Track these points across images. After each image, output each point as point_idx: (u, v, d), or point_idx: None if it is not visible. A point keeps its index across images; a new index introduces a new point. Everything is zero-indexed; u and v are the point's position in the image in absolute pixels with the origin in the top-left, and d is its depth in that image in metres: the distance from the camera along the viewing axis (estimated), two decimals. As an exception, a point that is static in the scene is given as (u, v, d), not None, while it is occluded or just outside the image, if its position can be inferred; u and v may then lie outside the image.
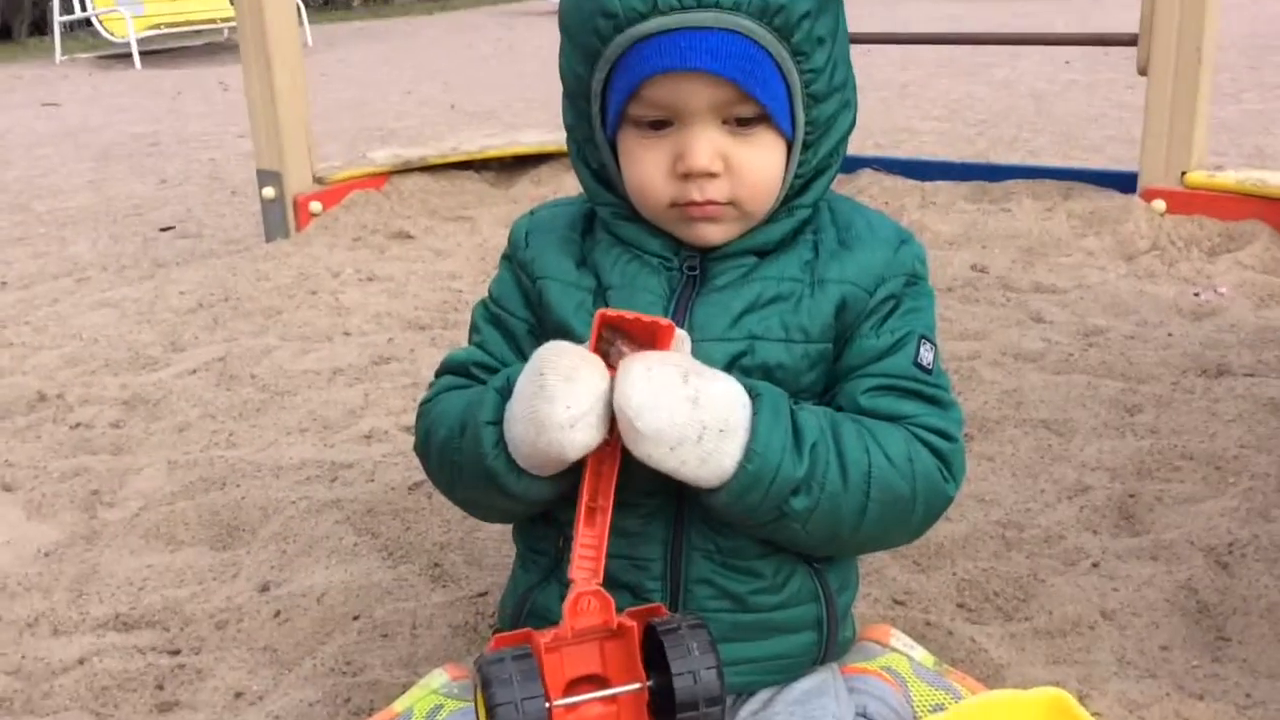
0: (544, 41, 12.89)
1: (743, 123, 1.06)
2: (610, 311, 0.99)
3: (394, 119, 7.62)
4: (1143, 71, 3.58)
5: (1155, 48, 3.49)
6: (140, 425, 2.49)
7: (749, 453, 1.00)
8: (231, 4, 12.92)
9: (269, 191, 4.05)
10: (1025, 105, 6.91)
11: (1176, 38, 3.44)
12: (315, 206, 4.07)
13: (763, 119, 1.07)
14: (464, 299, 3.28)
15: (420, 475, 2.09)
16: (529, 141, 4.67)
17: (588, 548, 1.03)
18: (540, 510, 1.17)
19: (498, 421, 1.06)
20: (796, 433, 1.03)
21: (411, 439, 2.26)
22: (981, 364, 2.59)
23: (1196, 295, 3.05)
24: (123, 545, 1.95)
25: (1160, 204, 3.56)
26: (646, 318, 1.00)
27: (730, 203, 1.09)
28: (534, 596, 1.23)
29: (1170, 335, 2.75)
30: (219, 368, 2.80)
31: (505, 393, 1.06)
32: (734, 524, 1.08)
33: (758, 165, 1.09)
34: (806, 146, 1.12)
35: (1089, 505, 1.95)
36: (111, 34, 11.95)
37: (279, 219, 4.08)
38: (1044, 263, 3.34)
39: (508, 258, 1.25)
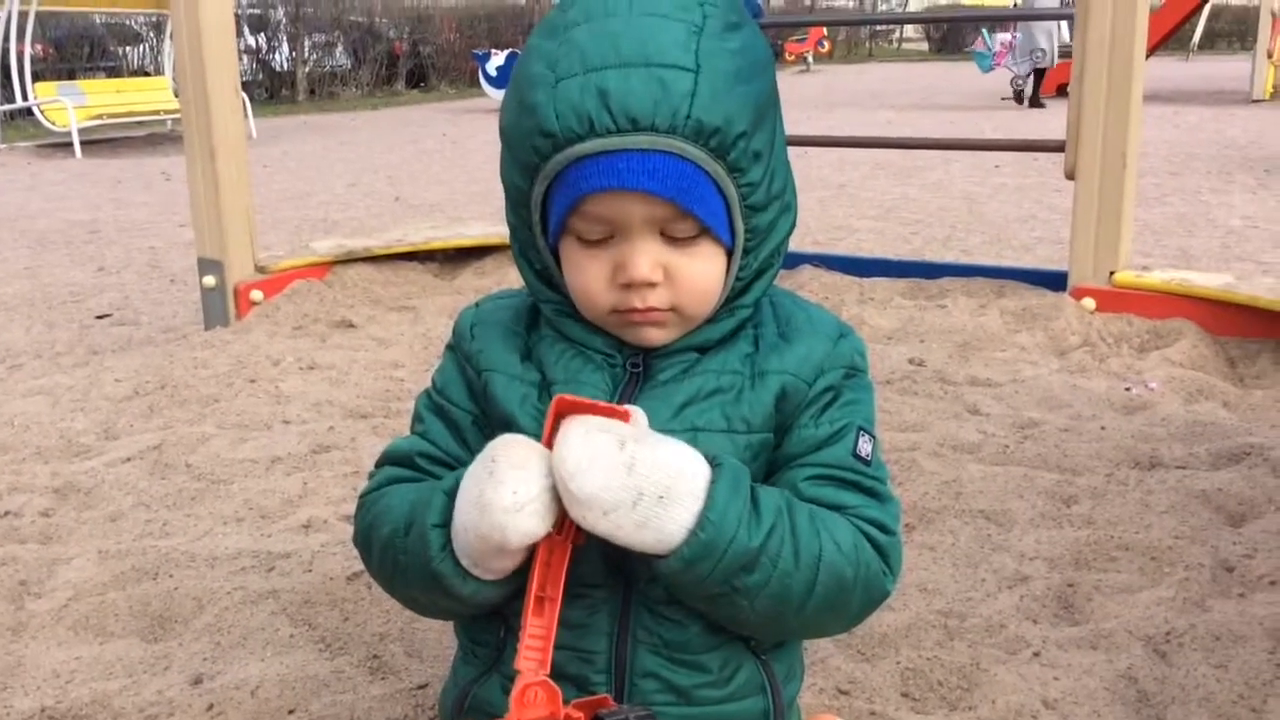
0: (489, 137, 13.06)
1: (680, 235, 1.08)
2: (567, 397, 1.00)
3: (337, 210, 7.64)
4: (1070, 176, 3.72)
5: (1082, 153, 3.64)
6: (71, 514, 2.43)
7: (703, 521, 1.00)
8: (176, 95, 13.01)
9: (209, 280, 4.02)
10: (957, 206, 7.11)
11: (1102, 144, 3.59)
12: (256, 295, 4.05)
13: (701, 230, 1.09)
14: (406, 388, 3.26)
15: (360, 566, 2.05)
16: (473, 233, 4.71)
17: (535, 638, 1.02)
18: (484, 611, 1.15)
19: (445, 524, 1.06)
20: (755, 507, 1.04)
21: (350, 528, 2.25)
22: (921, 455, 2.62)
23: (1127, 390, 3.12)
24: (50, 636, 1.89)
25: (1090, 302, 3.67)
26: (603, 404, 1.01)
27: (671, 309, 1.11)
28: (475, 690, 1.21)
29: (1103, 429, 2.81)
30: (154, 456, 2.75)
31: (453, 495, 1.06)
32: (682, 597, 1.08)
33: (697, 274, 1.10)
34: (746, 252, 1.14)
35: (1029, 595, 1.97)
36: (53, 123, 11.90)
37: (219, 307, 4.05)
38: (979, 357, 3.41)
39: (452, 348, 1.25)
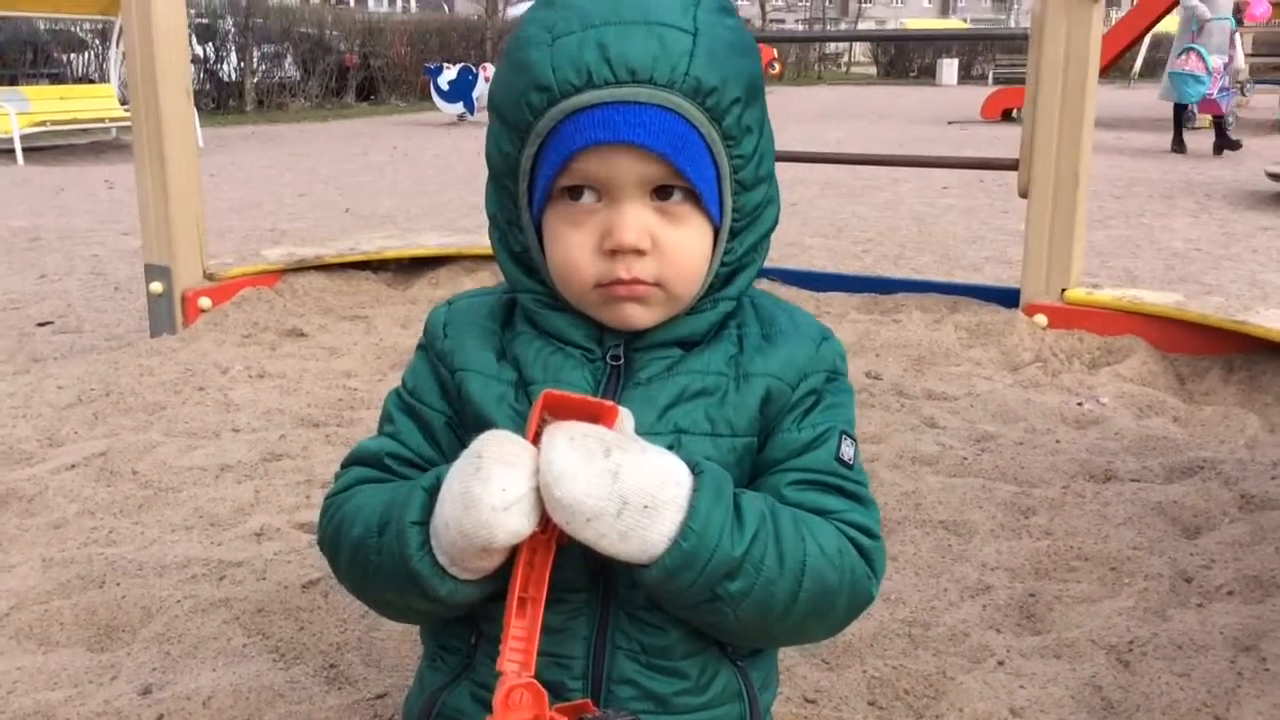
0: (440, 150, 13.00)
1: (670, 199, 1.06)
2: (555, 393, 0.97)
3: (286, 221, 7.54)
4: (1023, 194, 3.76)
5: (1035, 172, 3.68)
6: (13, 521, 2.35)
7: (685, 530, 0.98)
8: (123, 104, 12.80)
9: (156, 286, 3.94)
10: (907, 226, 7.18)
11: (1055, 163, 3.64)
12: (204, 302, 3.98)
13: (691, 198, 1.07)
14: (360, 397, 3.21)
15: (316, 573, 2.01)
16: (428, 244, 4.66)
17: (519, 639, 0.99)
18: (460, 613, 1.12)
19: (424, 522, 1.02)
20: (738, 514, 1.02)
21: (305, 536, 2.20)
22: (880, 466, 2.62)
23: (1080, 405, 3.15)
24: (-10, 647, 1.82)
25: (1042, 319, 3.71)
26: (591, 399, 0.98)
27: (657, 283, 1.09)
28: (444, 698, 1.17)
29: (1058, 442, 2.83)
30: (99, 463, 2.67)
31: (434, 492, 1.02)
32: (664, 604, 1.05)
33: (685, 246, 1.09)
34: (733, 235, 1.12)
35: (991, 604, 1.97)
36: (-7, 129, 11.66)
37: (166, 315, 3.97)
38: (934, 371, 3.43)
39: (424, 348, 1.22)
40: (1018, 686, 1.70)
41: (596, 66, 1.01)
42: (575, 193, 1.06)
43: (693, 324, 1.14)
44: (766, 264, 1.25)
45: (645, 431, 1.05)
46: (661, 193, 1.07)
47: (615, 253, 1.06)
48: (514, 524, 0.96)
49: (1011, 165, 3.86)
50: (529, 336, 1.15)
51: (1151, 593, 2.00)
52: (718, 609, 1.02)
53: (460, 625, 1.17)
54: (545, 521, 0.98)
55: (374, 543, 1.07)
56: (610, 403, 0.99)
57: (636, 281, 1.07)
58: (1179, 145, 11.87)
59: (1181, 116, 11.91)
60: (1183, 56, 11.21)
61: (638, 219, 1.06)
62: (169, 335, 3.88)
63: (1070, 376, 3.39)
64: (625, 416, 1.01)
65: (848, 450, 1.14)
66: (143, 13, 3.69)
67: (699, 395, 1.11)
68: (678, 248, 1.08)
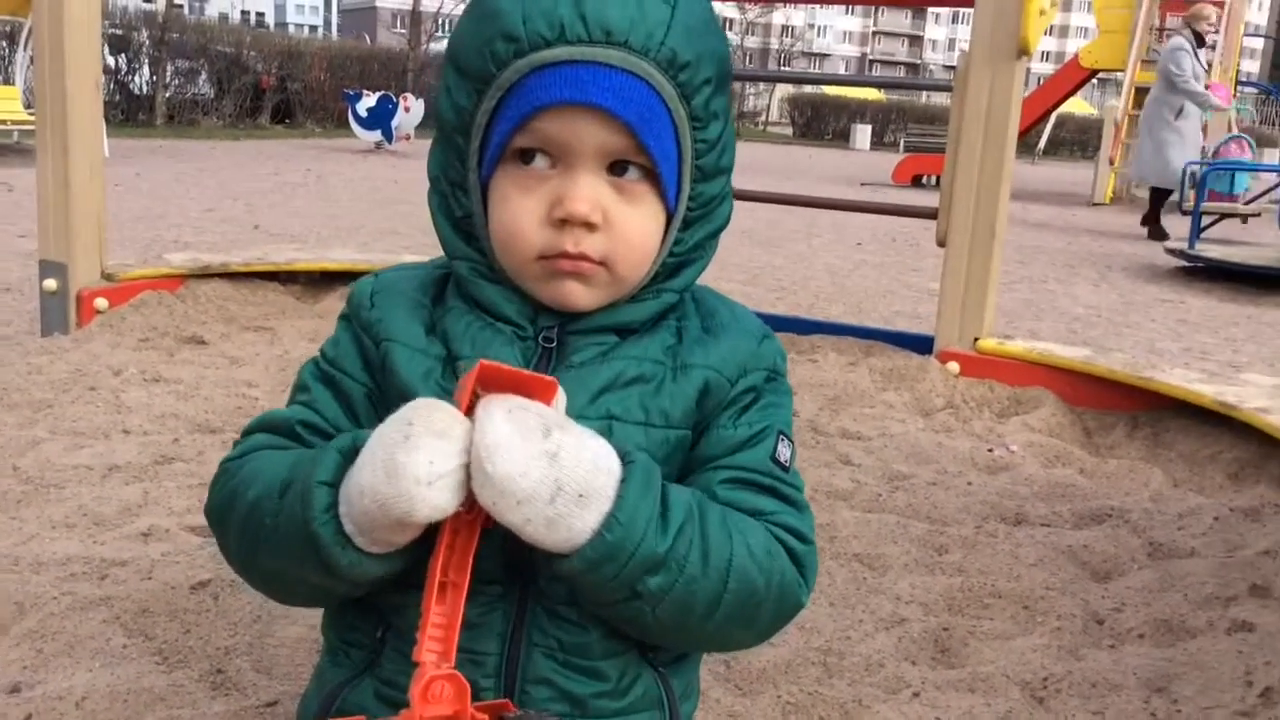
0: (356, 175, 12.83)
1: (626, 175, 1.02)
2: (490, 364, 0.90)
3: (191, 234, 7.32)
4: (941, 243, 3.81)
5: (954, 221, 3.73)
6: (-125, 510, 2.19)
7: (610, 521, 0.92)
8: (26, 108, 12.38)
9: (51, 283, 3.76)
10: (821, 277, 7.26)
11: (973, 214, 3.69)
12: (101, 303, 3.81)
13: (649, 178, 1.03)
14: (261, 406, 3.09)
15: (206, 574, 1.90)
16: (340, 258, 4.55)
17: (438, 627, 0.91)
18: (356, 593, 1.04)
19: (334, 484, 0.94)
20: (664, 508, 0.96)
21: (196, 539, 2.08)
22: (796, 499, 2.59)
23: (990, 451, 3.17)
24: None
25: (954, 366, 3.74)
26: (530, 374, 0.92)
27: (602, 261, 1.04)
28: (345, 694, 1.09)
29: (970, 484, 2.84)
30: (-24, 457, 2.52)
31: (350, 455, 0.95)
32: (580, 598, 0.99)
33: (636, 226, 1.04)
34: (686, 225, 1.09)
35: (906, 636, 1.94)
36: (-115, 124, 11.18)
37: (59, 314, 3.78)
38: (848, 412, 3.43)
39: (347, 317, 1.15)
40: (934, 718, 1.66)
41: (570, 22, 0.97)
42: (528, 156, 1.02)
43: (632, 312, 1.09)
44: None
45: (576, 415, 0.99)
46: (618, 168, 1.02)
47: (564, 223, 1.01)
48: (438, 499, 0.89)
49: (930, 214, 3.91)
50: (460, 311, 1.09)
51: (1065, 632, 1.99)
52: (637, 606, 0.96)
53: (365, 617, 1.09)
54: (471, 501, 0.91)
55: (272, 505, 0.98)
56: (550, 378, 0.93)
57: (582, 257, 1.02)
58: (1159, 230, 10.67)
59: (1164, 200, 10.94)
60: (1232, 145, 10.89)
61: (591, 190, 1.01)
62: (61, 335, 3.71)
63: (981, 424, 3.42)
64: (562, 396, 0.95)
65: (784, 452, 1.10)
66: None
67: (634, 382, 1.06)
68: (629, 226, 1.04)
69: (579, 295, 1.06)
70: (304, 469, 0.97)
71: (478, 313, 1.09)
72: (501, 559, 1.01)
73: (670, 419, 1.07)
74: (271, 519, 0.99)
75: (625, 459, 0.95)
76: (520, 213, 1.02)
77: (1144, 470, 3.04)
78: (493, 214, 1.05)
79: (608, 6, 0.98)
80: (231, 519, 1.04)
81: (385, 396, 1.08)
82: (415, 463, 0.88)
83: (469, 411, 0.91)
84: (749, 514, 1.05)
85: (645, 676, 1.09)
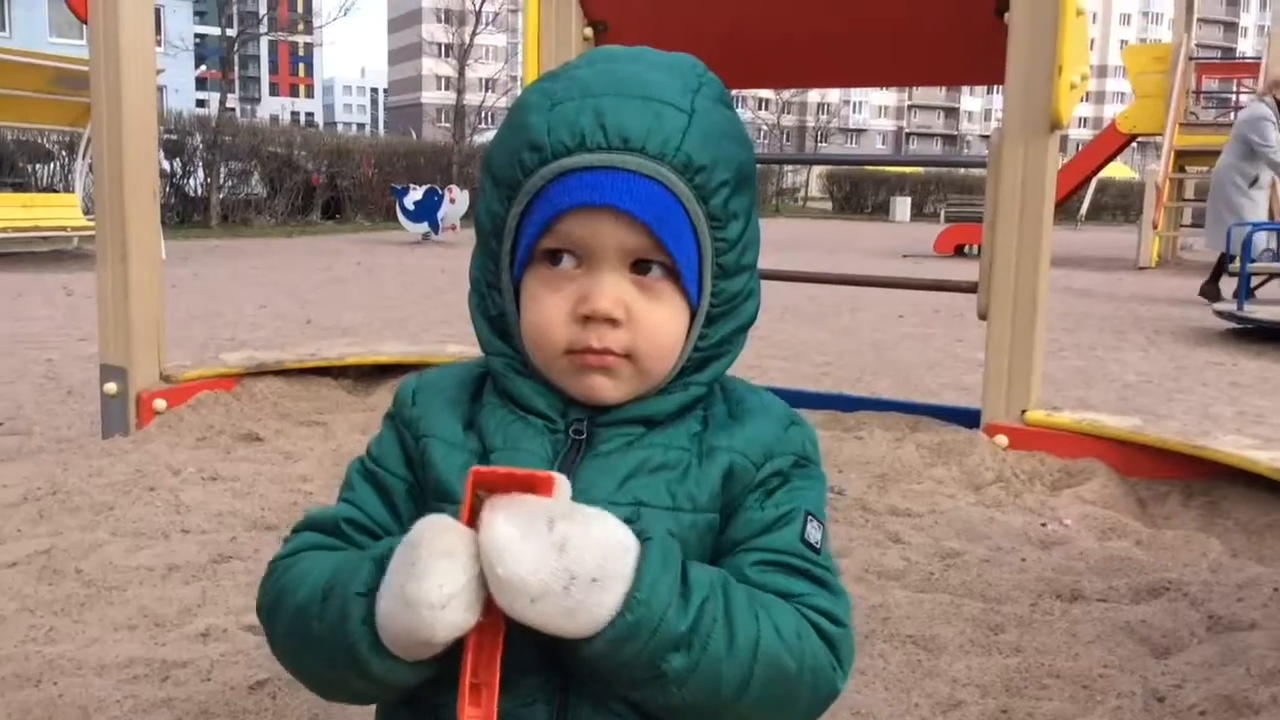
0: (404, 266, 13.07)
1: (649, 274, 1.06)
2: (483, 469, 0.92)
3: (246, 330, 7.49)
4: (983, 316, 3.82)
5: (995, 295, 3.74)
6: (-54, 618, 2.24)
7: (630, 601, 0.93)
8: (85, 214, 12.79)
9: (111, 386, 3.87)
10: (865, 351, 7.26)
11: (1014, 285, 3.70)
12: (159, 404, 3.91)
13: (670, 275, 1.07)
14: (316, 500, 3.14)
15: (264, 674, 1.93)
16: (390, 351, 4.63)
17: None
18: (399, 695, 1.06)
19: (370, 594, 0.97)
20: (685, 584, 0.98)
21: (254, 637, 2.12)
22: (847, 579, 2.57)
23: (1044, 525, 3.14)
24: (-88, 747, 1.72)
25: (1003, 439, 3.72)
26: (521, 471, 0.93)
27: (627, 355, 1.07)
28: (401, 792, 1.11)
29: (1024, 560, 2.81)
30: (41, 561, 2.58)
31: (382, 564, 0.98)
32: (605, 680, 1.00)
33: (659, 322, 1.07)
34: (710, 321, 1.12)
35: (963, 720, 1.92)
36: (-48, 234, 11.60)
37: (119, 416, 3.89)
38: (897, 488, 3.42)
39: (391, 416, 1.19)
40: (993, 803, 1.64)
41: (591, 131, 1.03)
42: (556, 257, 1.06)
43: (660, 404, 1.12)
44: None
45: (604, 502, 1.01)
46: (641, 266, 1.06)
47: (589, 320, 1.05)
48: (454, 619, 0.91)
49: (971, 288, 3.93)
50: (494, 406, 1.13)
51: (1125, 711, 1.96)
52: (662, 686, 0.97)
53: (416, 713, 1.11)
54: (489, 604, 0.93)
55: (316, 610, 1.01)
56: (545, 472, 0.95)
57: (607, 351, 1.06)
58: (1215, 292, 10.61)
59: (1226, 264, 10.77)
60: None
61: (614, 288, 1.05)
62: (121, 437, 3.80)
63: (1032, 497, 3.39)
64: (563, 484, 0.97)
65: (814, 533, 1.09)
66: (113, 107, 3.71)
67: (660, 469, 1.08)
68: (652, 322, 1.07)
69: (605, 389, 1.09)
70: (343, 577, 1.00)
71: (511, 407, 1.12)
72: (536, 650, 1.03)
73: (697, 503, 1.08)
74: (316, 623, 1.01)
75: (642, 537, 0.97)
76: (547, 309, 1.06)
77: (1201, 540, 2.99)
78: (524, 312, 1.09)
79: (625, 117, 1.03)
80: (279, 620, 1.07)
81: (425, 491, 1.11)
82: (426, 590, 0.90)
83: (472, 519, 0.93)
84: (780, 596, 1.05)
85: None
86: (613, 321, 1.05)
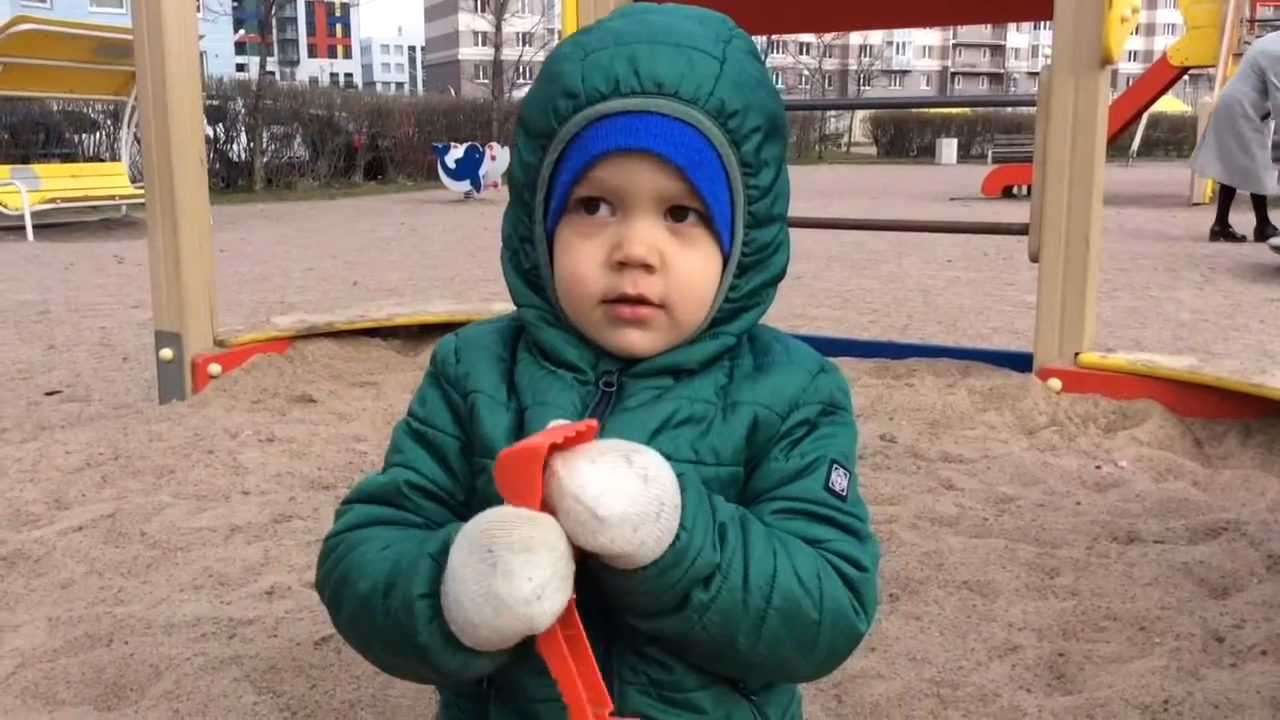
0: (447, 225, 13.11)
1: (682, 219, 1.06)
2: (506, 451, 0.91)
3: (295, 294, 7.57)
4: (1034, 258, 3.77)
5: (1046, 237, 3.68)
6: (20, 582, 2.31)
7: (679, 531, 0.95)
8: (132, 182, 12.94)
9: (167, 353, 3.94)
10: (913, 298, 7.20)
11: (1065, 227, 3.64)
12: (214, 369, 3.97)
13: (704, 222, 1.06)
14: (370, 460, 3.18)
15: (328, 630, 1.97)
16: (437, 311, 4.67)
17: (580, 675, 0.94)
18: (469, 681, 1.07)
19: (432, 594, 0.96)
20: (714, 517, 0.99)
21: (316, 595, 2.15)
22: (899, 527, 2.58)
23: (1098, 468, 3.12)
24: (-6, 706, 1.78)
25: (1056, 383, 3.69)
26: (565, 431, 0.92)
27: (661, 305, 1.07)
28: (462, 743, 1.13)
29: (1078, 504, 2.79)
30: (107, 525, 2.64)
31: (441, 561, 0.96)
32: (633, 612, 1.00)
33: (694, 268, 1.07)
34: (741, 271, 1.11)
35: (1020, 664, 1.93)
36: (5, 206, 11.76)
37: (175, 381, 3.95)
38: (949, 435, 3.40)
39: (434, 375, 1.19)
40: (1052, 745, 1.65)
41: (625, 76, 1.03)
42: (591, 206, 1.06)
43: (690, 354, 1.11)
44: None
45: None
46: (675, 213, 1.06)
47: (624, 266, 1.05)
48: (553, 605, 0.90)
49: (1021, 230, 3.87)
50: (527, 362, 1.13)
51: (1183, 652, 1.95)
52: (684, 616, 0.97)
53: (476, 685, 1.13)
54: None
55: (379, 604, 1.00)
56: (584, 424, 0.94)
57: (642, 300, 1.06)
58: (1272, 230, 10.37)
59: (1232, 200, 10.80)
60: None
61: (649, 234, 1.05)
62: (178, 401, 3.87)
63: (1087, 440, 3.36)
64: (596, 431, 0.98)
65: (839, 480, 1.08)
66: (158, 79, 3.74)
67: (685, 423, 1.08)
68: (686, 269, 1.07)
69: (639, 341, 1.09)
70: (404, 577, 0.99)
71: (541, 361, 1.13)
72: (579, 599, 1.04)
73: (721, 457, 1.08)
74: (383, 618, 1.01)
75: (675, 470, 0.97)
76: (582, 258, 1.07)
77: (1259, 479, 2.96)
78: (558, 262, 1.09)
79: (659, 62, 1.04)
80: (343, 608, 1.06)
81: (473, 448, 1.12)
82: (518, 587, 0.89)
83: (540, 499, 0.91)
84: (805, 542, 1.04)
85: (741, 708, 1.10)
86: (648, 267, 1.05)
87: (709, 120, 1.04)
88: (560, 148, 1.06)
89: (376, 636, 1.03)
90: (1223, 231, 10.57)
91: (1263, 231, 10.45)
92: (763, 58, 1.15)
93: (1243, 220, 10.80)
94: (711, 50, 1.06)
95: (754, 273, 1.12)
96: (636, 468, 0.92)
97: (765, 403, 1.09)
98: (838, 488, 1.07)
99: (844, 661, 1.07)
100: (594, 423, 0.95)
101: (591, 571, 0.96)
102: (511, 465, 0.91)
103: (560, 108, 1.05)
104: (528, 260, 1.13)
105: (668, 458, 1.05)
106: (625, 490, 0.91)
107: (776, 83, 1.21)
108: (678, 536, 0.94)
